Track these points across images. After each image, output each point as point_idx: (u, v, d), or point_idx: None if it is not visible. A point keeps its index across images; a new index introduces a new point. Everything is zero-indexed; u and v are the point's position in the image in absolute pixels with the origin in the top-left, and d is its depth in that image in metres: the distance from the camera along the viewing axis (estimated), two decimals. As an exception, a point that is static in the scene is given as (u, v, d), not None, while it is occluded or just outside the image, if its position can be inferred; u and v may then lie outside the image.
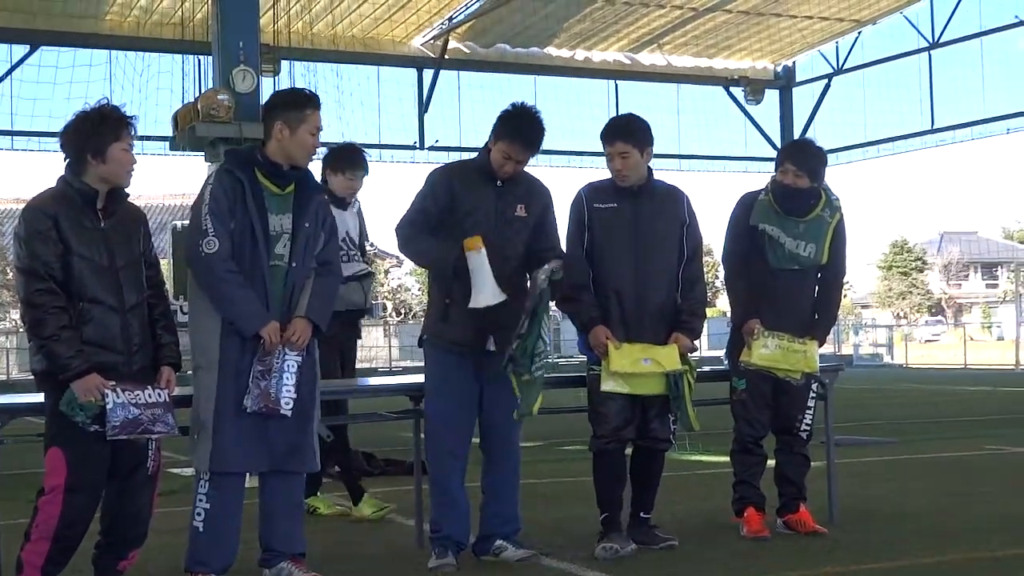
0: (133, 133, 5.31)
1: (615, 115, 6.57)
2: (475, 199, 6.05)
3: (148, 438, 5.25)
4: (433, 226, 6.07)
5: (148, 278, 5.42)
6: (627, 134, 6.36)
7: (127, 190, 5.39)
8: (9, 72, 25.95)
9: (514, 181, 6.18)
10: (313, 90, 5.94)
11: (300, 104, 5.70)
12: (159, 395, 5.22)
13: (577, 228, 6.35)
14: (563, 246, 6.33)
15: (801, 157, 6.83)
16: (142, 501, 5.40)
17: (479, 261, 5.89)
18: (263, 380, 5.44)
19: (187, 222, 5.85)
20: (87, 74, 25.65)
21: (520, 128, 6.11)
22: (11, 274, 48.88)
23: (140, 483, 5.36)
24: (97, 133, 5.21)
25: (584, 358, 6.64)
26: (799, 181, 6.73)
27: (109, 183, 5.25)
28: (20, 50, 26.02)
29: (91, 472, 5.17)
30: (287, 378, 5.48)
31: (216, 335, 5.50)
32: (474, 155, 6.33)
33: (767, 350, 6.64)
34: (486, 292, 5.88)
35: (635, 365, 6.15)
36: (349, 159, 7.91)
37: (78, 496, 5.14)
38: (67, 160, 5.29)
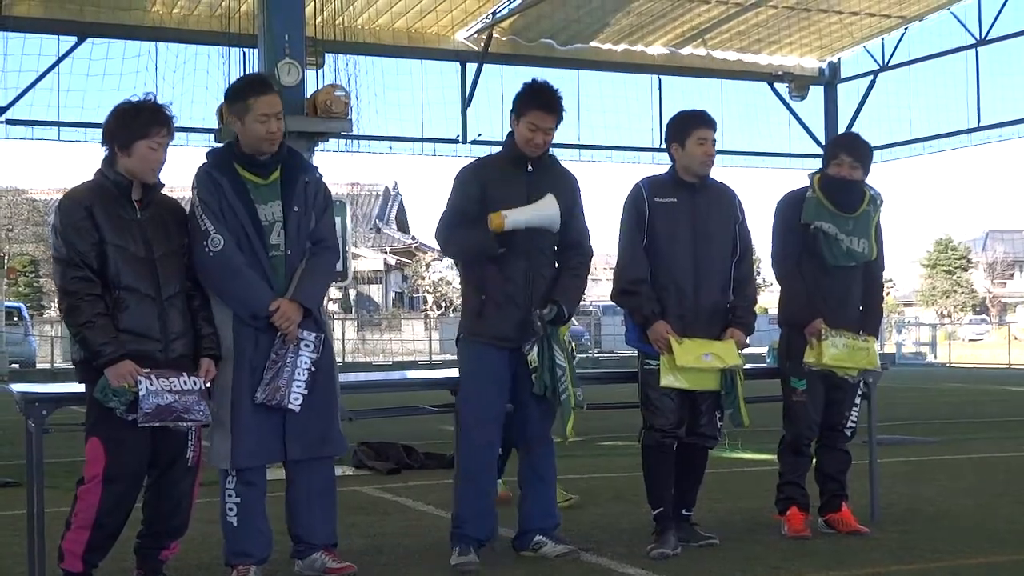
0: (167, 132, 5.30)
1: (692, 108, 6.56)
2: (506, 190, 6.02)
3: (186, 426, 5.26)
4: (472, 223, 6.04)
5: (188, 269, 5.45)
6: (715, 124, 6.51)
7: (163, 182, 5.39)
8: (56, 64, 26.16)
9: (543, 169, 6.17)
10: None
11: (242, 94, 5.63)
12: (194, 383, 5.23)
13: (637, 221, 6.33)
14: (616, 239, 6.39)
15: (856, 149, 6.79)
16: (182, 491, 5.43)
17: (516, 217, 5.92)
18: (275, 373, 5.45)
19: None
20: (133, 66, 25.83)
21: (538, 95, 6.15)
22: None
23: (180, 473, 5.39)
24: (127, 127, 5.26)
25: (629, 352, 6.62)
26: (855, 173, 6.70)
27: (134, 177, 5.29)
28: (67, 42, 26.26)
29: (130, 461, 5.21)
30: (299, 374, 5.47)
31: (228, 332, 5.50)
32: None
33: (836, 349, 6.58)
34: (548, 211, 5.94)
35: (697, 360, 6.17)
36: None
37: (117, 485, 5.18)
38: (105, 151, 5.35)
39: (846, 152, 6.77)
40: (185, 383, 5.20)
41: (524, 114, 6.10)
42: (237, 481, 5.55)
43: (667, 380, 6.20)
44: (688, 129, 6.39)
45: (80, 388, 5.41)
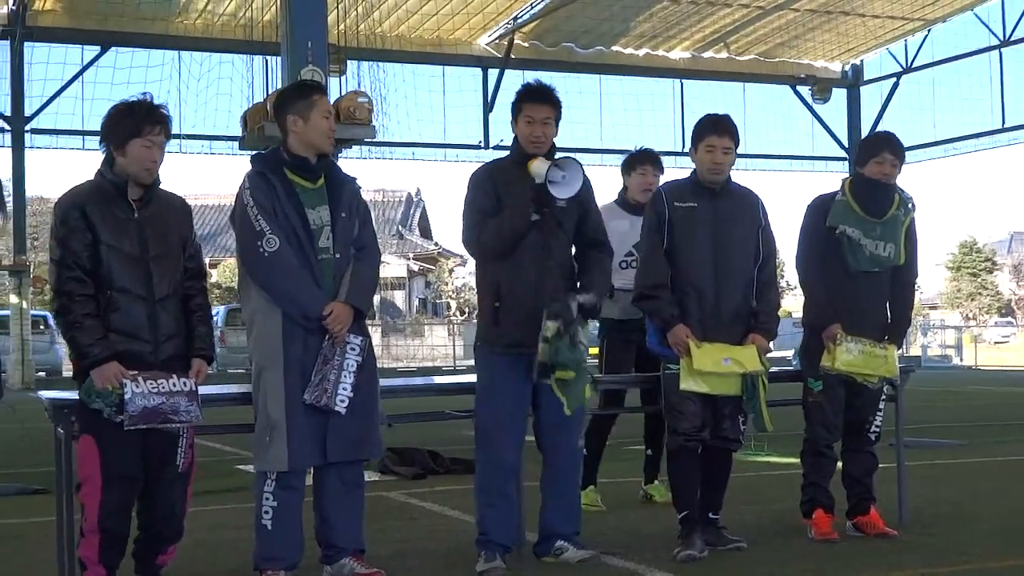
0: (161, 131, 5.33)
1: (711, 113, 6.53)
2: (516, 194, 6.01)
3: (175, 427, 5.27)
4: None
5: (187, 269, 5.48)
6: (734, 131, 6.43)
7: (160, 177, 5.42)
8: (80, 73, 26.33)
9: None
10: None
11: (306, 93, 5.81)
12: (184, 384, 5.26)
13: (656, 226, 6.34)
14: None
15: (897, 147, 6.74)
16: (174, 497, 5.43)
17: (539, 165, 5.94)
18: (323, 376, 5.48)
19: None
20: (156, 74, 25.99)
21: (529, 90, 6.19)
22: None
23: (170, 479, 5.40)
24: (120, 125, 5.31)
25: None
26: (895, 172, 6.68)
27: (130, 177, 5.32)
28: (91, 52, 26.38)
29: (123, 460, 5.22)
30: (345, 376, 5.52)
31: (279, 335, 5.54)
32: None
33: (850, 355, 6.55)
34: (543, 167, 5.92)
35: (716, 365, 6.16)
36: (642, 156, 8.07)
37: (114, 484, 5.20)
38: (103, 152, 5.40)
39: (889, 150, 6.70)
40: (174, 385, 5.23)
41: (520, 111, 6.15)
42: (276, 485, 5.57)
43: (687, 384, 6.20)
44: (700, 135, 6.40)
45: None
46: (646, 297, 6.36)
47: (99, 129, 5.45)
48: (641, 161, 8.02)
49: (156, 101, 5.43)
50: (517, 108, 6.16)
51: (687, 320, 6.24)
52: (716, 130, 6.37)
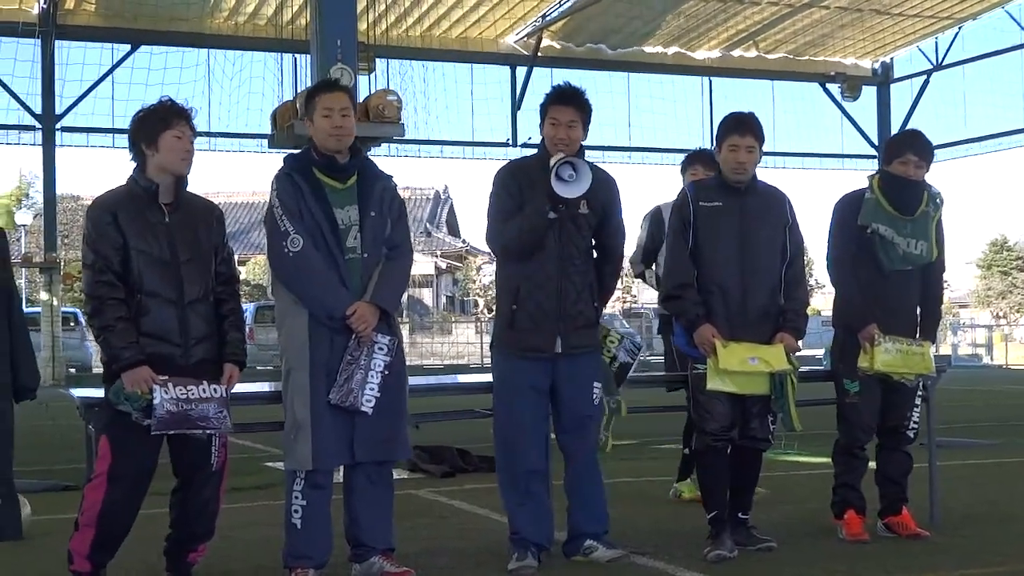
0: (187, 125, 5.40)
1: (735, 111, 6.49)
2: (538, 194, 5.98)
3: (203, 434, 5.29)
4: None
5: (219, 273, 5.50)
6: (758, 129, 6.39)
7: (188, 179, 5.46)
8: (110, 71, 26.47)
9: None
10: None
11: (312, 94, 5.84)
12: (214, 390, 5.27)
13: (682, 225, 6.32)
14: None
15: (922, 147, 6.67)
16: (207, 496, 5.47)
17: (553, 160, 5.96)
18: (349, 375, 5.48)
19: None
20: (189, 75, 26.14)
21: (554, 91, 6.17)
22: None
23: (204, 479, 5.43)
24: (148, 123, 5.37)
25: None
26: (919, 172, 6.61)
27: (167, 171, 5.35)
28: (121, 51, 26.53)
29: (134, 462, 5.24)
30: (372, 376, 5.51)
31: (305, 335, 5.54)
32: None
33: (889, 355, 6.50)
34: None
35: (743, 364, 6.12)
36: (693, 157, 8.20)
37: (120, 484, 5.22)
38: (132, 159, 5.45)
39: (913, 151, 6.64)
40: (204, 391, 5.24)
41: (546, 113, 6.15)
42: (305, 484, 5.58)
43: (714, 384, 6.17)
44: (723, 135, 6.38)
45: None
46: (672, 297, 6.36)
47: (127, 137, 5.50)
48: (691, 162, 8.10)
49: (179, 103, 5.50)
50: (544, 110, 6.16)
51: (713, 319, 6.21)
52: (739, 129, 6.34)
